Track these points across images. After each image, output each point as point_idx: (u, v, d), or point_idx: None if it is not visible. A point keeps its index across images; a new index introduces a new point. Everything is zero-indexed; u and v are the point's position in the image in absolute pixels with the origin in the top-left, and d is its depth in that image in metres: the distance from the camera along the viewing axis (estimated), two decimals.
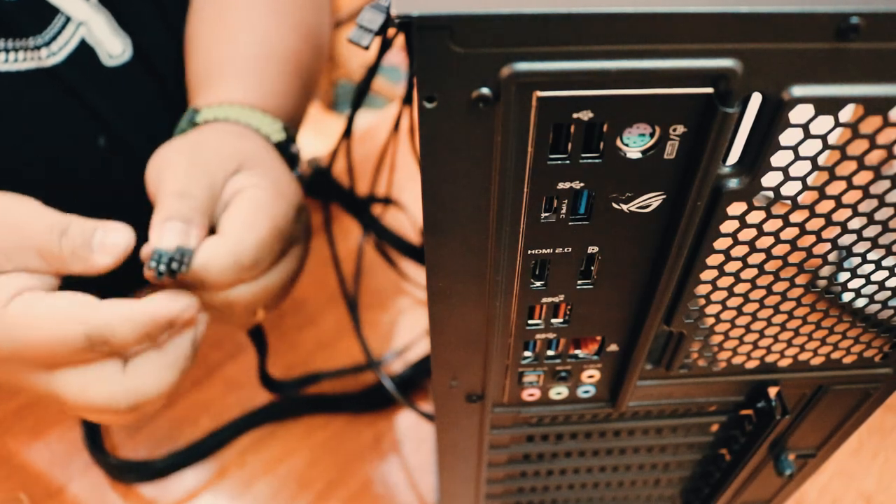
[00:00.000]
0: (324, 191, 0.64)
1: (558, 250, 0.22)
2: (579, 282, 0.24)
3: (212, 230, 0.36)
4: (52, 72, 0.45)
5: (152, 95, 0.51)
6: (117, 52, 0.48)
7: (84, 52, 0.46)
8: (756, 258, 0.22)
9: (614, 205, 0.21)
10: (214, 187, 0.36)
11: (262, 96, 0.43)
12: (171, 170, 0.36)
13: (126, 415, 0.33)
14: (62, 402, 0.33)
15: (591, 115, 0.18)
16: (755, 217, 0.21)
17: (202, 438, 0.50)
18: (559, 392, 0.29)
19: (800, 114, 0.18)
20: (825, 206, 0.20)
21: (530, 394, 0.29)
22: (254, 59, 0.45)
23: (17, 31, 0.43)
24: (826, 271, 0.23)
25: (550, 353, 0.27)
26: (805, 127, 0.18)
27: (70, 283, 0.34)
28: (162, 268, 0.32)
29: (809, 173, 0.19)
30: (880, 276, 0.24)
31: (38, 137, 0.47)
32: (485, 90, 0.17)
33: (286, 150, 0.42)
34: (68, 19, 0.45)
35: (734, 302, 0.24)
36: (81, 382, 0.32)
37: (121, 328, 0.31)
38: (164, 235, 0.33)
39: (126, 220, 0.37)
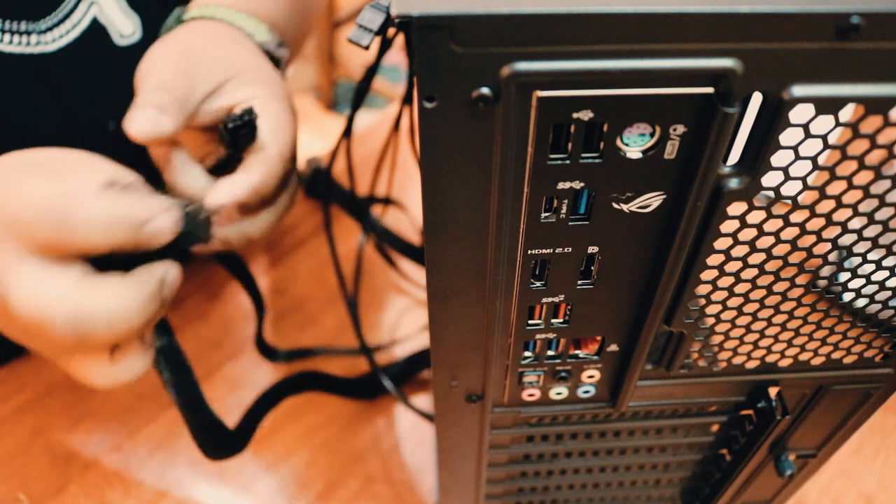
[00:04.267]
0: (324, 191, 0.64)
1: (558, 250, 0.22)
2: (579, 282, 0.24)
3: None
4: (63, 52, 0.45)
5: None
6: (128, 32, 0.48)
7: (96, 30, 0.46)
8: (756, 258, 0.22)
9: (614, 205, 0.21)
10: (194, 89, 0.37)
11: (249, 2, 0.44)
12: (156, 68, 0.37)
13: (64, 334, 0.29)
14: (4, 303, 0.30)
15: (591, 114, 0.18)
16: (755, 217, 0.21)
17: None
18: (559, 392, 0.29)
19: (800, 113, 0.18)
20: (825, 206, 0.20)
21: (530, 394, 0.29)
22: None
23: (27, 13, 0.43)
24: (826, 271, 0.23)
25: (550, 353, 0.27)
26: (805, 127, 0.18)
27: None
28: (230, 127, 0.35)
29: (810, 173, 0.19)
30: (881, 276, 0.24)
31: (45, 120, 0.46)
32: (485, 90, 0.17)
33: (273, 53, 0.44)
34: None
35: (734, 302, 0.24)
36: (34, 281, 0.29)
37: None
38: (136, 118, 0.34)
39: None
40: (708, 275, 0.23)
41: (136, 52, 0.48)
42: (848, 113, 0.18)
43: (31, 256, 0.30)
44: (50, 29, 0.44)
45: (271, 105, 0.38)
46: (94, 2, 0.45)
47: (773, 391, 0.30)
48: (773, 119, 0.18)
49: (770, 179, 0.20)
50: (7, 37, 0.42)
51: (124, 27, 0.47)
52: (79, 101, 0.47)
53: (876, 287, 0.24)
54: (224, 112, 0.38)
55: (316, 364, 0.55)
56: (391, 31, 0.26)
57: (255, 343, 0.52)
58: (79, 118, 0.47)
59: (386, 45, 0.30)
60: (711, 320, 0.25)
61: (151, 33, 0.48)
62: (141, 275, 0.31)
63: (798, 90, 0.18)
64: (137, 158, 0.51)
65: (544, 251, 0.22)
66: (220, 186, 0.36)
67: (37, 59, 0.44)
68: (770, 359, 0.28)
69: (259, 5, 0.45)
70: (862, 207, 0.21)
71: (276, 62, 0.45)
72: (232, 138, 0.36)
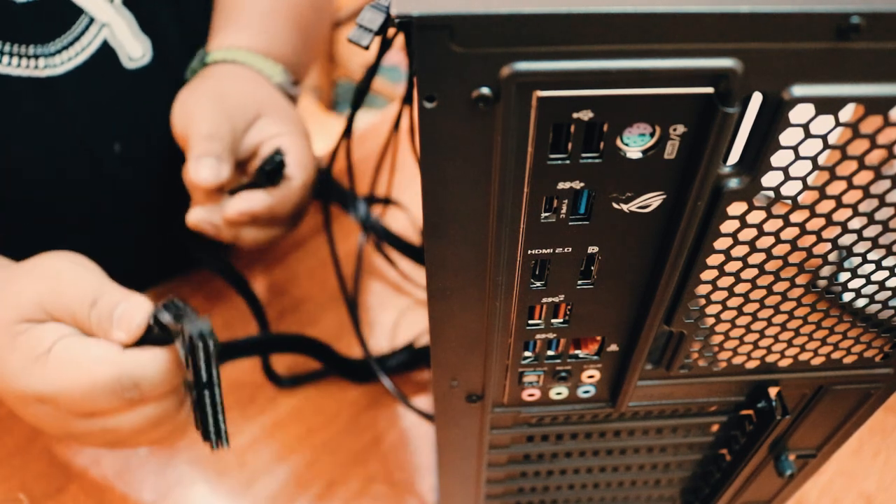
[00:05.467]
0: (324, 191, 0.64)
1: (558, 250, 0.22)
2: (579, 282, 0.24)
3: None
4: (71, 75, 0.45)
5: (170, 99, 0.51)
6: (138, 55, 0.48)
7: (105, 54, 0.46)
8: (756, 258, 0.22)
9: (614, 205, 0.21)
10: (237, 131, 0.44)
11: (264, 43, 0.50)
12: (199, 114, 0.43)
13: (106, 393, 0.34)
14: (116, 437, 0.36)
15: (591, 114, 0.18)
16: (755, 217, 0.21)
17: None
18: (559, 392, 0.29)
19: (800, 113, 0.18)
20: (825, 206, 0.20)
21: (530, 394, 0.29)
22: (258, 14, 0.52)
23: (35, 37, 0.43)
24: (826, 271, 0.23)
25: (550, 353, 0.27)
26: (805, 127, 0.18)
27: None
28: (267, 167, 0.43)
29: (810, 173, 0.19)
30: (881, 276, 0.24)
31: (53, 143, 0.46)
32: (485, 90, 0.17)
33: (288, 92, 0.51)
34: (91, 20, 0.45)
35: (734, 302, 0.24)
36: (133, 418, 0.35)
37: (149, 370, 0.34)
38: (201, 168, 0.41)
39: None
40: (708, 275, 0.23)
41: (144, 75, 0.48)
42: (848, 113, 0.18)
43: (71, 330, 0.35)
44: (59, 52, 0.44)
45: (297, 142, 0.46)
46: (105, 24, 0.45)
47: (773, 391, 0.30)
48: (773, 119, 0.18)
49: (770, 179, 0.20)
50: (15, 60, 0.42)
51: (134, 50, 0.48)
52: (86, 123, 0.47)
53: (876, 287, 0.24)
54: (254, 147, 0.45)
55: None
56: (391, 31, 0.26)
57: (263, 370, 0.53)
58: (86, 140, 0.48)
59: (386, 45, 0.30)
60: (711, 320, 0.25)
61: (162, 56, 0.49)
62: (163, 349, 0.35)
63: (798, 90, 0.18)
64: (145, 179, 0.52)
65: (544, 251, 0.22)
66: (242, 196, 0.43)
67: (44, 82, 0.44)
68: (770, 359, 0.28)
69: (273, 47, 0.51)
70: (862, 207, 0.21)
71: (292, 99, 0.51)
72: (268, 178, 0.44)
